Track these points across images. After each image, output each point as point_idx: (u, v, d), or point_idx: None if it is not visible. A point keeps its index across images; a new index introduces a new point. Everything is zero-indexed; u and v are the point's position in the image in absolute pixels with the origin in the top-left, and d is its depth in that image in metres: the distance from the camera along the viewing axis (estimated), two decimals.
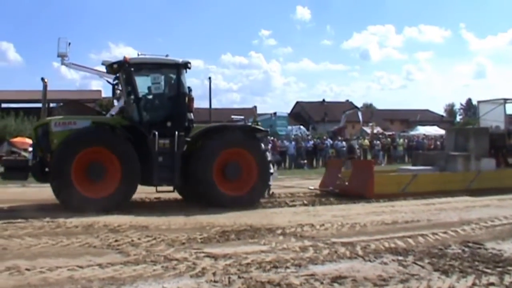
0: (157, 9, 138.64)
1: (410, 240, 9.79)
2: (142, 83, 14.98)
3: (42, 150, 14.11)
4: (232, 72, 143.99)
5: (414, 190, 16.79)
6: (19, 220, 11.64)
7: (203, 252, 8.68)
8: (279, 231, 10.67)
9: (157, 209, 14.00)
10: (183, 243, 9.48)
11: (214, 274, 7.34)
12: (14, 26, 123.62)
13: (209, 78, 59.26)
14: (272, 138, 39.71)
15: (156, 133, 13.91)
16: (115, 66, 14.89)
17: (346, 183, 17.35)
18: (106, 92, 28.35)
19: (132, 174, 13.70)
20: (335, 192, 17.22)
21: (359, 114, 55.35)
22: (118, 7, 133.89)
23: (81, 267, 7.66)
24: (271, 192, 16.05)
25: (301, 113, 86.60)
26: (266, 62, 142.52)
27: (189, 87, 15.02)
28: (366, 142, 41.27)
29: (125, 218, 12.16)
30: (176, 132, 14.17)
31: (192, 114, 15.00)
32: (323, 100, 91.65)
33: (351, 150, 34.31)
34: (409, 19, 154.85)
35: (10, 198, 15.83)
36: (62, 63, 34.61)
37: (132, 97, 14.54)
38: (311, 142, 38.60)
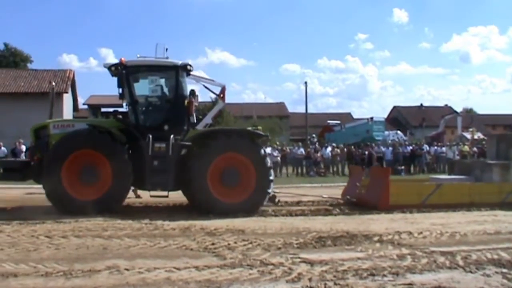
0: (253, 14, 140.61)
1: None
2: (141, 86, 14.93)
3: (40, 152, 14.12)
4: (328, 76, 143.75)
5: (437, 201, 15.33)
6: (118, 222, 12.06)
7: (299, 258, 8.66)
8: (376, 238, 10.51)
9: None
10: (279, 248, 9.47)
11: (310, 280, 7.30)
12: (113, 32, 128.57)
13: (305, 82, 60.08)
14: (368, 143, 39.35)
15: (151, 136, 13.75)
16: (113, 68, 14.56)
17: (363, 192, 16.43)
18: (204, 97, 28.57)
19: (123, 177, 13.57)
20: (352, 202, 16.30)
21: (458, 119, 53.81)
22: (214, 13, 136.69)
23: (178, 268, 7.83)
24: (277, 200, 15.36)
25: (398, 118, 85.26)
26: (362, 66, 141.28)
27: (191, 90, 14.90)
28: (466, 148, 39.91)
29: (222, 221, 12.34)
30: (171, 136, 13.94)
31: (194, 118, 14.87)
32: (421, 104, 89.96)
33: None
34: None
35: None
36: None
37: (128, 99, 14.52)
38: (409, 148, 37.78)
